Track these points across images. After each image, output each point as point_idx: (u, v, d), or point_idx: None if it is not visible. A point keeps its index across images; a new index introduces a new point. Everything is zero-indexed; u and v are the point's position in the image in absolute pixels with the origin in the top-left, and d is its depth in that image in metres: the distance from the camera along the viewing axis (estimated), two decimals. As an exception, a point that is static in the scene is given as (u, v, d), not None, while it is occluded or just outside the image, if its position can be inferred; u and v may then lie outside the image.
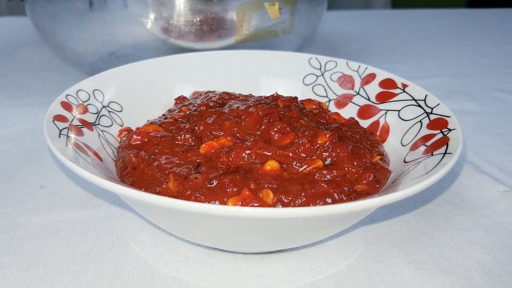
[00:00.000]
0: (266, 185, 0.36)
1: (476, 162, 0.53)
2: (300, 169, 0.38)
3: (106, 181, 0.31)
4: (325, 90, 0.55)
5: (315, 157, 0.39)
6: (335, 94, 0.54)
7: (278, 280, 0.36)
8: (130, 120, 0.48)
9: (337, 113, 0.50)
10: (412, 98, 0.47)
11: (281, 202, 0.35)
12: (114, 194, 0.45)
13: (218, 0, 0.61)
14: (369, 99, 0.51)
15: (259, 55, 0.58)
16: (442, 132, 0.41)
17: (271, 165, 0.37)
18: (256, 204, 0.34)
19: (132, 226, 0.42)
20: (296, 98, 0.47)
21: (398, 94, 0.49)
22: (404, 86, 0.49)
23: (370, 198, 0.30)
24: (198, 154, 0.40)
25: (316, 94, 0.55)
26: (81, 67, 0.72)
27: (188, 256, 0.38)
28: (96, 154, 0.40)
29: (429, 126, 0.43)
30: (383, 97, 0.50)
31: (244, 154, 0.39)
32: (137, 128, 0.45)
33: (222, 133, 0.42)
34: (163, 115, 0.50)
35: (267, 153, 0.39)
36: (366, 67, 0.53)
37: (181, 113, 0.48)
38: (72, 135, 0.39)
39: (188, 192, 0.35)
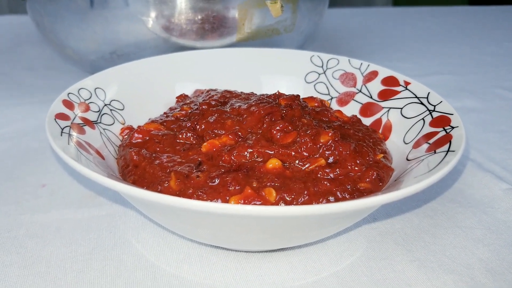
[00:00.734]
0: (268, 184, 0.35)
1: (479, 160, 0.53)
2: (303, 168, 0.38)
3: (109, 179, 0.31)
4: (327, 88, 0.55)
5: (317, 156, 0.39)
6: (337, 92, 0.54)
7: (280, 278, 0.36)
8: (132, 118, 0.48)
9: (339, 111, 0.50)
10: (414, 96, 0.47)
11: (283, 200, 0.35)
12: (116, 193, 0.45)
13: (219, -2, 0.60)
14: (371, 97, 0.51)
15: (261, 53, 0.58)
16: (445, 130, 0.40)
17: (273, 163, 0.37)
18: (258, 203, 0.34)
19: (134, 224, 0.42)
20: (298, 96, 0.47)
21: (400, 91, 0.48)
22: (407, 83, 0.48)
23: (373, 196, 0.30)
24: (199, 153, 0.40)
25: (318, 92, 0.55)
26: (82, 65, 0.71)
27: (191, 255, 0.38)
28: (98, 152, 0.40)
29: (431, 124, 0.42)
30: (385, 95, 0.49)
31: (246, 153, 0.39)
32: (139, 127, 0.45)
33: (223, 132, 0.42)
34: (165, 113, 0.50)
35: (269, 152, 0.39)
36: (368, 65, 0.53)
37: (183, 112, 0.47)
38: (74, 134, 0.39)
39: (190, 191, 0.35)
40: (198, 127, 0.43)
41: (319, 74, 0.55)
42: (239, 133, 0.41)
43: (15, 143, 0.55)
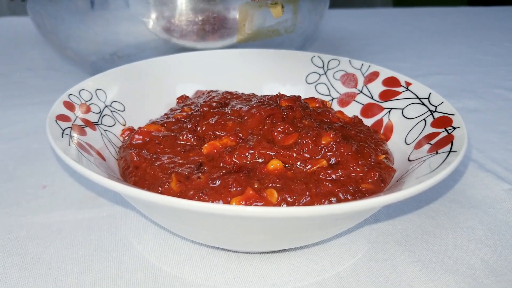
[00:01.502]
0: (270, 185, 0.35)
1: (480, 160, 0.53)
2: (305, 169, 0.38)
3: (110, 180, 0.30)
4: (328, 88, 0.54)
5: (319, 157, 0.39)
6: (338, 92, 0.54)
7: (282, 279, 0.36)
8: (133, 119, 0.48)
9: (340, 112, 0.50)
10: (416, 96, 0.47)
11: (285, 201, 0.34)
12: (116, 194, 0.45)
13: (220, -1, 0.60)
14: (372, 98, 0.51)
15: (262, 54, 0.58)
16: (446, 130, 0.40)
17: (275, 164, 0.37)
18: (260, 204, 0.34)
19: (136, 226, 0.42)
20: (299, 97, 0.47)
21: (401, 92, 0.48)
22: (408, 84, 0.48)
23: (375, 197, 0.30)
24: (200, 154, 0.40)
25: (319, 93, 0.55)
26: (83, 66, 0.71)
27: (192, 256, 0.38)
28: (99, 153, 0.40)
29: (433, 124, 0.42)
30: (386, 96, 0.49)
31: (247, 154, 0.39)
32: (139, 128, 0.45)
33: (224, 133, 0.42)
34: (165, 114, 0.49)
35: (271, 153, 0.39)
36: (369, 65, 0.53)
37: (183, 113, 0.47)
38: (75, 135, 0.39)
39: (191, 192, 0.35)
40: (198, 128, 0.43)
41: (320, 75, 0.55)
42: (240, 135, 0.41)
43: (16, 144, 0.55)
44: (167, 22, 0.61)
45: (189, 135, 0.42)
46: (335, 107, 0.53)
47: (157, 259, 0.38)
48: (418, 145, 0.42)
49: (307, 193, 0.35)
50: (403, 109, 0.47)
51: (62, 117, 0.40)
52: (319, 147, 0.39)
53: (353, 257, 0.38)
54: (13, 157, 0.53)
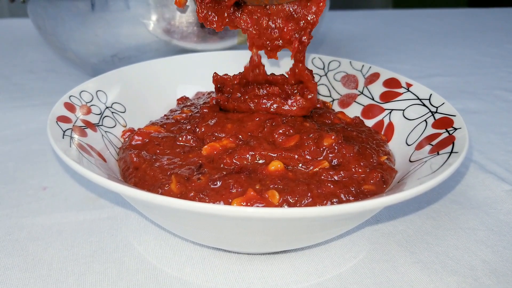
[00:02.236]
0: (271, 186, 0.35)
1: (481, 161, 0.53)
2: (307, 170, 0.38)
3: (111, 181, 0.30)
4: (328, 90, 0.54)
5: (321, 158, 0.39)
6: (338, 94, 0.54)
7: (283, 281, 0.36)
8: (134, 120, 0.48)
9: (342, 112, 0.50)
10: (416, 98, 0.47)
11: (287, 202, 0.34)
12: (117, 195, 0.45)
13: (220, 0, 0.60)
14: (373, 99, 0.51)
15: (262, 55, 0.58)
16: (447, 131, 0.40)
17: (275, 165, 0.37)
18: (261, 205, 0.34)
19: (136, 227, 0.42)
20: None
21: (402, 93, 0.48)
22: (409, 85, 0.48)
23: (376, 198, 0.30)
24: (200, 155, 0.39)
25: (320, 94, 0.55)
26: (84, 68, 0.71)
27: (193, 257, 0.38)
28: (99, 155, 0.40)
29: (434, 125, 0.42)
30: (387, 97, 0.49)
31: (248, 155, 0.39)
32: (138, 129, 0.45)
33: (224, 135, 0.42)
34: (165, 115, 0.49)
35: (272, 154, 0.39)
36: (370, 67, 0.53)
37: (183, 114, 0.47)
38: (76, 136, 0.39)
39: (192, 194, 0.35)
40: (198, 130, 0.43)
41: (321, 76, 0.55)
42: (240, 136, 0.41)
43: (17, 145, 0.55)
44: (168, 23, 0.61)
45: (188, 137, 0.42)
46: (336, 108, 0.53)
47: (158, 260, 0.38)
48: (419, 146, 0.42)
49: (309, 194, 0.35)
50: (404, 110, 0.47)
51: (63, 119, 0.40)
52: (321, 149, 0.39)
53: (354, 258, 0.38)
54: (14, 159, 0.53)
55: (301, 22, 0.41)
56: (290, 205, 0.34)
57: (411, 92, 0.48)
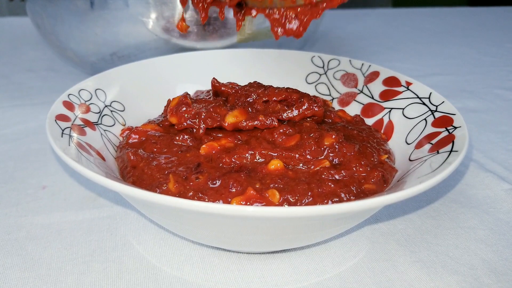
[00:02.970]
0: (271, 185, 0.35)
1: (481, 160, 0.53)
2: (307, 168, 0.38)
3: (110, 180, 0.30)
4: (328, 88, 0.54)
5: (322, 157, 0.39)
6: (338, 92, 0.54)
7: (283, 280, 0.36)
8: (133, 119, 0.48)
9: (342, 111, 0.50)
10: (416, 96, 0.47)
11: (287, 201, 0.34)
12: (116, 194, 0.45)
13: (220, -1, 0.60)
14: (372, 97, 0.51)
15: (262, 54, 0.58)
16: (447, 130, 0.40)
17: (275, 164, 0.37)
18: (261, 204, 0.34)
19: (135, 226, 0.42)
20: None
21: (402, 92, 0.48)
22: (408, 84, 0.48)
23: (376, 197, 0.29)
24: (198, 155, 0.39)
25: (319, 93, 0.55)
26: (83, 67, 0.71)
27: (192, 256, 0.38)
28: (98, 153, 0.40)
29: (434, 124, 0.42)
30: (387, 95, 0.49)
31: (247, 155, 0.38)
32: (135, 127, 0.44)
33: (221, 135, 0.41)
34: (163, 114, 0.49)
35: (273, 154, 0.39)
36: (370, 65, 0.53)
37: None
38: (75, 135, 0.39)
39: (191, 193, 0.35)
40: (195, 129, 0.42)
41: (320, 74, 0.55)
42: (239, 136, 0.41)
43: (16, 144, 0.55)
44: (167, 22, 0.60)
45: (185, 136, 0.42)
46: (336, 107, 0.53)
47: (157, 260, 0.38)
48: (419, 145, 0.42)
49: (309, 193, 0.35)
50: (403, 109, 0.47)
51: (61, 117, 0.40)
52: (322, 148, 0.39)
53: (354, 257, 0.38)
54: (13, 158, 0.52)
55: None
56: (290, 204, 0.34)
57: (411, 91, 0.48)
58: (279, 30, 0.43)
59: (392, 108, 0.48)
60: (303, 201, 0.34)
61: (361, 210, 0.30)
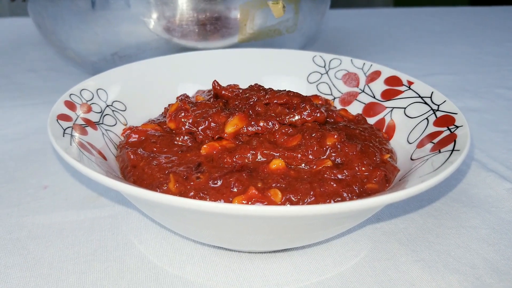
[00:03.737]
0: (273, 184, 0.35)
1: (482, 159, 0.53)
2: (309, 168, 0.38)
3: (111, 180, 0.30)
4: (329, 88, 0.54)
5: (324, 157, 0.39)
6: (340, 92, 0.53)
7: (284, 279, 0.36)
8: (134, 119, 0.48)
9: (344, 110, 0.49)
10: (418, 95, 0.47)
11: (289, 201, 0.34)
12: (118, 193, 0.45)
13: (221, -2, 0.60)
14: (374, 97, 0.50)
15: (263, 53, 0.58)
16: (449, 129, 0.40)
17: (277, 164, 0.37)
18: (263, 203, 0.34)
19: (137, 225, 0.42)
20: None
21: (403, 91, 0.48)
22: (410, 83, 0.48)
23: (378, 196, 0.29)
24: (198, 155, 0.39)
25: (321, 92, 0.55)
26: (84, 67, 0.71)
27: (194, 256, 0.38)
28: (100, 153, 0.40)
29: (435, 123, 0.42)
30: (388, 95, 0.49)
31: (249, 154, 0.38)
32: (135, 127, 0.44)
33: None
34: (163, 113, 0.49)
35: (275, 154, 0.38)
36: (371, 65, 0.53)
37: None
38: (76, 134, 0.39)
39: (192, 193, 0.35)
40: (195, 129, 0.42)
41: (322, 74, 0.55)
42: (240, 137, 0.41)
43: (17, 144, 0.55)
44: (168, 22, 0.60)
45: (185, 137, 0.41)
46: (337, 106, 0.53)
47: (159, 259, 0.38)
48: (421, 144, 0.42)
49: (312, 193, 0.35)
50: (405, 108, 0.47)
51: (63, 117, 0.40)
52: (324, 148, 0.39)
53: (356, 256, 0.38)
54: (15, 158, 0.52)
55: None
56: (292, 203, 0.34)
57: (413, 90, 0.47)
58: None
59: (393, 108, 0.48)
60: (305, 201, 0.34)
61: (362, 209, 0.30)
